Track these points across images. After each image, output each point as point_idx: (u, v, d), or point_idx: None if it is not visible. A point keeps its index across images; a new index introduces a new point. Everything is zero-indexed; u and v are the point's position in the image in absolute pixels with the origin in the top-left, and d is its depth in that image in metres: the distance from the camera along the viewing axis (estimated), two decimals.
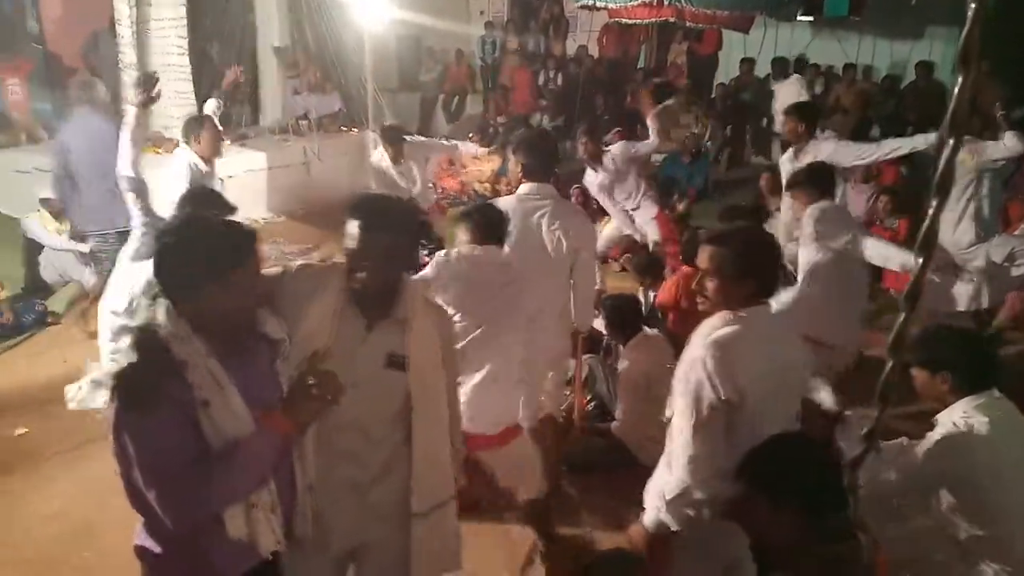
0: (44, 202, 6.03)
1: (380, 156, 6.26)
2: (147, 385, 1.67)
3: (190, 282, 1.72)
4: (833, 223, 3.89)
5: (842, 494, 1.76)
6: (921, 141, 4.68)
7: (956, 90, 0.83)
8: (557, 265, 3.37)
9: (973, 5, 0.78)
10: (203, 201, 3.69)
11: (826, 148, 4.75)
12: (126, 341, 1.75)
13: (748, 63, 11.19)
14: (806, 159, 4.70)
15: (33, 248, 6.05)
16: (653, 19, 9.66)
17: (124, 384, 1.69)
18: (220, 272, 1.73)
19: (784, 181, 4.96)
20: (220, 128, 4.93)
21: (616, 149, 5.70)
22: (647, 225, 5.77)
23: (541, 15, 12.84)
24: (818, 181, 4.04)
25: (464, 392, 2.86)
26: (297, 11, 8.46)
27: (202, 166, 4.73)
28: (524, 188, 3.41)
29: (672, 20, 9.54)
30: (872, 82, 10.98)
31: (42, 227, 5.96)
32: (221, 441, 1.74)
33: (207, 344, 1.75)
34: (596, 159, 5.59)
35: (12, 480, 3.86)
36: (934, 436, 2.62)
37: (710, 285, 2.26)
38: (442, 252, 3.06)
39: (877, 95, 10.58)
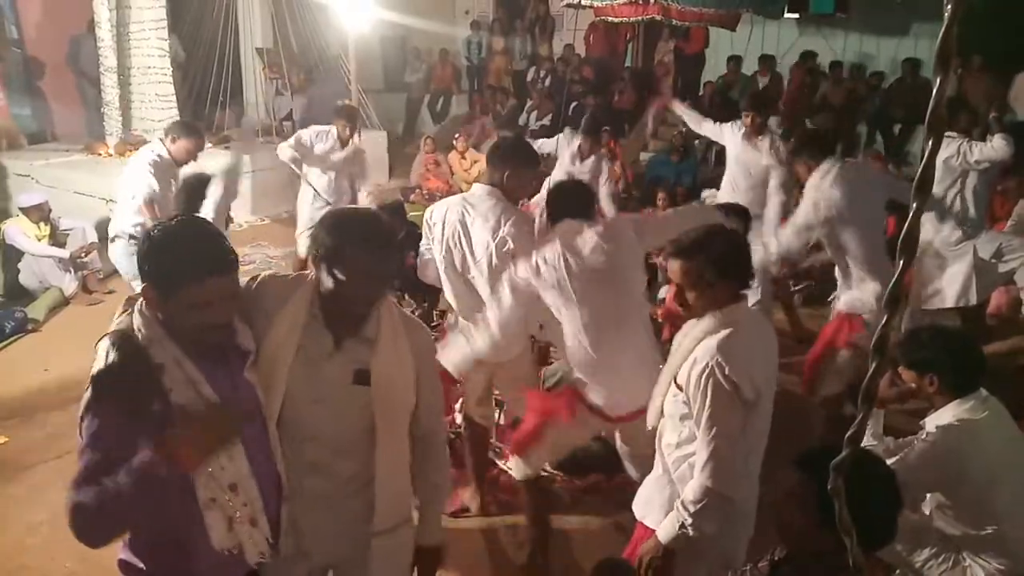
0: (25, 208, 5.98)
1: (327, 131, 5.95)
2: (126, 385, 1.66)
3: (171, 277, 1.70)
4: (851, 194, 3.73)
5: (892, 524, 1.77)
6: None
7: (934, 91, 0.80)
8: (497, 269, 3.17)
9: (950, 5, 0.75)
10: (197, 185, 3.67)
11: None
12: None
13: (735, 61, 11.20)
14: (764, 142, 5.18)
15: (12, 255, 5.98)
16: (639, 17, 9.64)
17: (102, 381, 1.67)
18: (200, 274, 1.70)
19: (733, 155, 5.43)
20: (202, 145, 4.85)
21: (604, 156, 6.14)
22: None
23: (527, 14, 12.81)
24: (817, 144, 3.94)
25: (599, 378, 2.86)
26: (280, 12, 8.40)
27: (168, 159, 4.63)
28: (474, 188, 3.31)
29: (658, 18, 9.53)
30: (859, 79, 11.00)
31: (22, 233, 5.90)
32: None
33: (182, 347, 1.74)
34: (588, 152, 6.00)
35: None
36: (924, 441, 2.61)
37: (690, 296, 2.27)
38: (539, 254, 2.93)
39: (864, 92, 10.61)
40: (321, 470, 2.01)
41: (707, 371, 2.15)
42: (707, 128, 5.84)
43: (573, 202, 3.02)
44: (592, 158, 5.98)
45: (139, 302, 1.78)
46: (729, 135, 5.50)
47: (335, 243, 1.86)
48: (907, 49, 10.72)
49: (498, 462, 3.98)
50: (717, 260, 2.23)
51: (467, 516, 3.65)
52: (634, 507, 2.59)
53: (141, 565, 1.80)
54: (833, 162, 3.85)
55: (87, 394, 1.69)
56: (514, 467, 3.17)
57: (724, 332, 2.19)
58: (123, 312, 1.82)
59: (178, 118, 5.84)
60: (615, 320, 2.86)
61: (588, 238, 2.86)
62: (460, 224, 3.19)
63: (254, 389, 1.90)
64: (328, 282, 1.88)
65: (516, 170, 3.22)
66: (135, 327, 1.74)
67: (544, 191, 5.69)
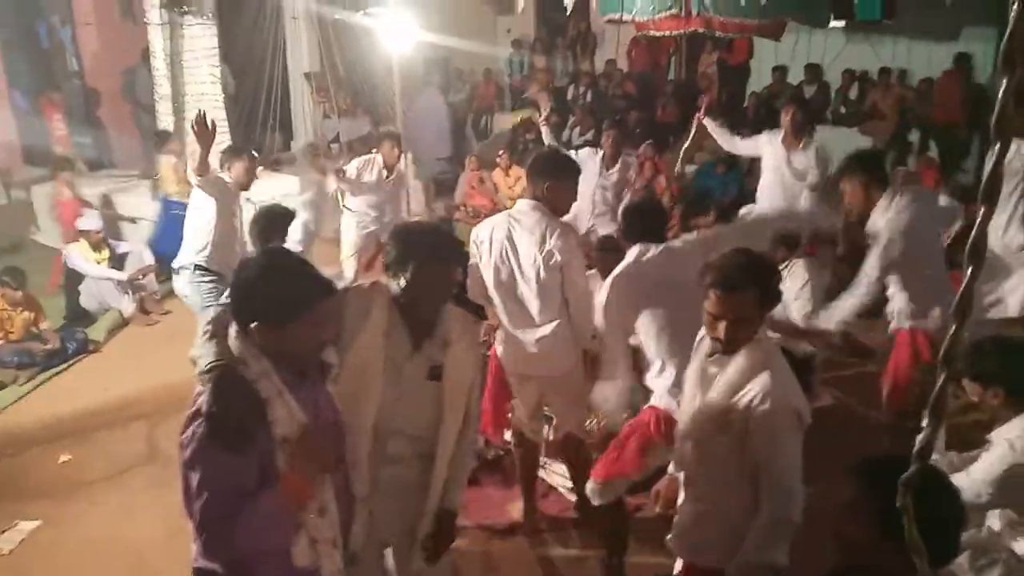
0: (84, 232, 6.18)
1: (372, 160, 6.07)
2: (239, 426, 1.70)
3: (290, 307, 1.76)
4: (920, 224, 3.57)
5: (955, 542, 1.71)
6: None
7: (1000, 93, 0.77)
8: (546, 283, 3.21)
9: (1016, 4, 0.73)
10: (273, 217, 3.82)
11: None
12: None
13: (780, 71, 11.06)
14: (807, 152, 5.14)
15: (74, 277, 6.18)
16: (681, 31, 9.59)
17: (218, 421, 1.69)
18: (318, 297, 1.80)
19: (764, 160, 5.37)
20: (255, 165, 4.91)
21: (631, 162, 6.14)
22: None
23: (568, 32, 12.85)
24: (873, 167, 3.76)
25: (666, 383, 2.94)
26: (327, 37, 8.57)
27: (230, 187, 4.68)
28: (519, 204, 3.34)
29: (701, 31, 9.46)
30: (908, 86, 10.77)
31: (82, 256, 6.09)
32: None
33: (282, 378, 1.79)
34: (613, 157, 5.93)
35: (58, 505, 3.93)
36: (992, 457, 2.52)
37: (738, 328, 2.18)
38: (616, 271, 3.09)
39: (914, 99, 10.37)
40: (398, 460, 2.24)
41: (772, 412, 2.11)
42: (740, 145, 5.74)
43: (647, 225, 3.11)
44: (619, 166, 5.90)
45: (231, 330, 1.81)
46: (766, 142, 5.42)
47: (408, 252, 2.15)
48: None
49: (544, 477, 3.96)
50: (763, 293, 2.18)
51: (517, 533, 3.64)
52: (679, 549, 2.47)
53: (220, 572, 1.81)
54: (892, 193, 3.62)
55: (198, 429, 1.70)
56: (592, 493, 3.11)
57: (769, 369, 2.16)
58: (210, 338, 1.84)
59: (230, 143, 5.98)
60: (687, 330, 2.80)
61: (659, 259, 2.99)
62: (508, 240, 3.22)
63: (334, 404, 1.99)
64: (403, 287, 2.15)
65: (555, 182, 3.26)
66: (240, 359, 1.77)
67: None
